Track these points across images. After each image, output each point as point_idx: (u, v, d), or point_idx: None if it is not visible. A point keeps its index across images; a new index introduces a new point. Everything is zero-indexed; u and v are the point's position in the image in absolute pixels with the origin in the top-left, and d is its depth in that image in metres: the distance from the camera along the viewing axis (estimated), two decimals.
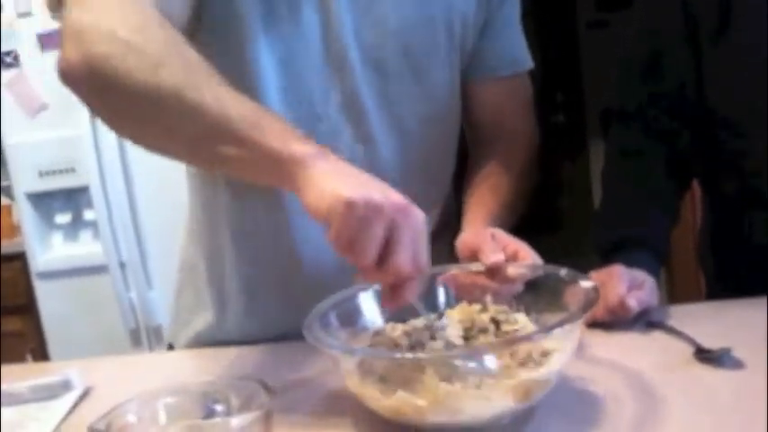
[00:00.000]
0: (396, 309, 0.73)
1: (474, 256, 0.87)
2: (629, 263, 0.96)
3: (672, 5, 1.04)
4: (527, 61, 1.11)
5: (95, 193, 2.22)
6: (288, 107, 0.94)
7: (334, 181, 0.68)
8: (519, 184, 1.06)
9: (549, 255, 0.89)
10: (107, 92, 0.75)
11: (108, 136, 2.21)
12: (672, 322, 0.89)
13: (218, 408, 0.68)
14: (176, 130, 0.76)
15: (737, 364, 0.77)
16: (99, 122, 2.23)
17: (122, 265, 2.26)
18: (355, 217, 0.65)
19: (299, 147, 0.71)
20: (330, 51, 0.95)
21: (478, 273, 0.85)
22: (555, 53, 4.87)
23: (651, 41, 1.07)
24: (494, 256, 0.84)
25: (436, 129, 1.04)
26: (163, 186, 2.11)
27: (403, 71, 0.98)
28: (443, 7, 0.99)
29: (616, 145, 1.11)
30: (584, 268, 0.85)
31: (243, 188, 0.98)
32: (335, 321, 0.79)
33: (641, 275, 0.94)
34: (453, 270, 0.87)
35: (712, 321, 0.89)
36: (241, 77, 0.91)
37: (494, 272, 0.84)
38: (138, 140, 0.79)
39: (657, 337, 0.87)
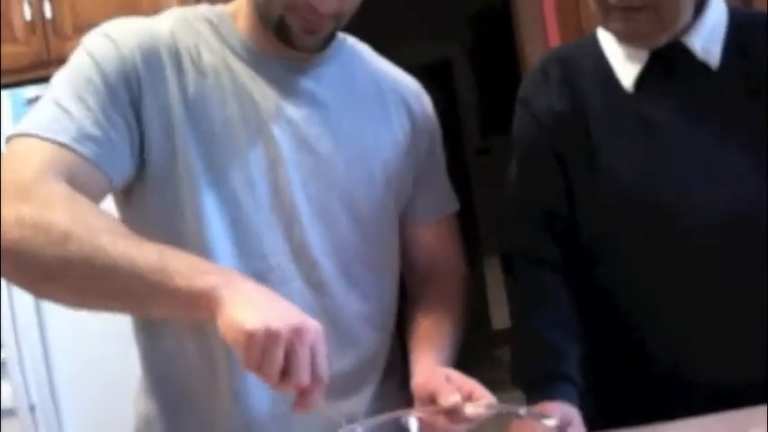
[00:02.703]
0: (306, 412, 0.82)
1: (431, 399, 0.93)
2: (551, 395, 1.02)
3: (541, 151, 1.15)
4: (454, 204, 1.21)
5: (6, 332, 2.15)
6: (239, 259, 0.99)
7: (237, 310, 0.79)
8: (457, 318, 1.13)
9: None
10: (24, 270, 0.84)
11: None
12: None
13: None
14: (92, 292, 0.84)
15: None
16: None
17: (32, 408, 2.17)
18: (256, 347, 0.77)
19: (203, 282, 0.81)
20: (279, 206, 1.01)
21: (438, 414, 0.91)
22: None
23: (532, 183, 1.17)
24: (452, 398, 0.90)
25: (381, 272, 1.11)
26: (77, 324, 2.07)
27: (348, 222, 1.06)
28: (381, 165, 1.09)
29: (524, 283, 1.17)
30: None
31: (204, 345, 1.01)
32: None
33: (569, 411, 1.00)
34: (414, 413, 0.93)
35: None
36: (192, 233, 0.98)
37: (453, 413, 0.90)
38: (57, 303, 0.87)
39: None
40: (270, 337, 0.77)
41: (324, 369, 0.80)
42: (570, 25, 2.45)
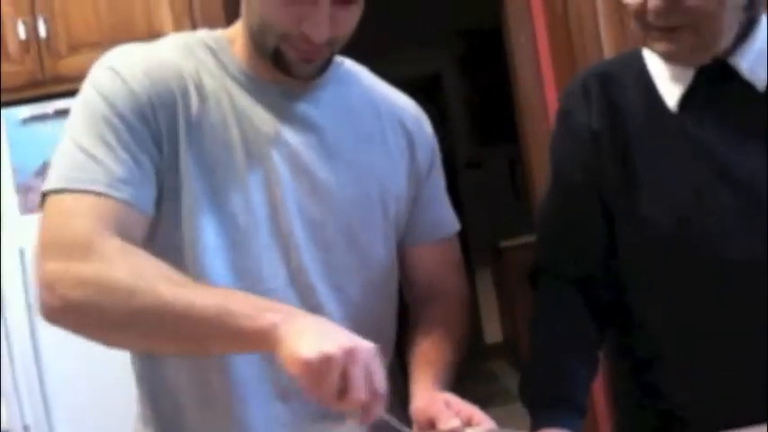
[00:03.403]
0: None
1: (430, 423, 0.94)
2: (555, 422, 1.01)
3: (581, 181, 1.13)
4: (454, 225, 1.22)
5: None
6: (237, 283, 1.00)
7: (294, 343, 0.83)
8: (456, 339, 1.14)
9: None
10: (90, 327, 0.89)
11: (14, 292, 2.17)
12: None
13: None
14: (159, 338, 0.90)
15: None
16: (4, 277, 2.20)
17: (26, 429, 2.16)
18: (314, 373, 0.81)
19: (265, 319, 0.85)
20: (276, 229, 1.02)
21: None
22: None
23: (565, 202, 1.16)
24: (451, 423, 0.91)
25: (377, 295, 1.12)
26: (71, 344, 2.07)
27: (344, 245, 1.07)
28: (379, 188, 1.10)
29: (544, 298, 1.16)
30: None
31: (201, 374, 1.03)
32: None
33: None
34: None
35: None
36: (191, 255, 0.99)
37: None
38: (123, 349, 0.95)
39: None
40: (324, 362, 0.81)
41: (380, 384, 0.85)
42: (560, 39, 2.47)
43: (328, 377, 0.81)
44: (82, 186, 0.92)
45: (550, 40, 2.55)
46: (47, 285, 0.88)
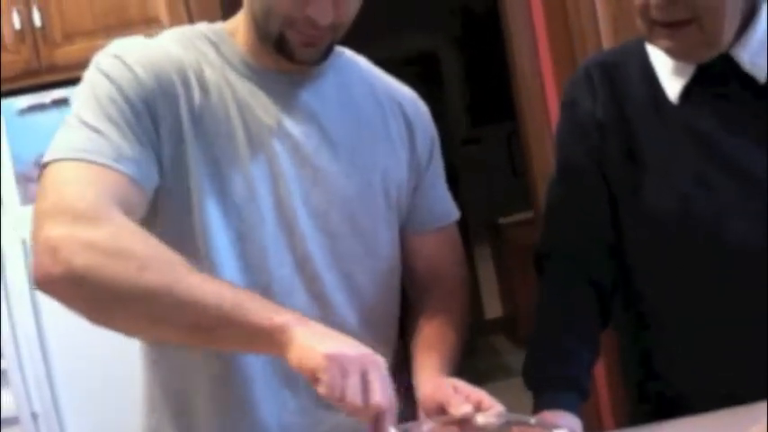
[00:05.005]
0: None
1: (440, 409, 0.94)
2: (557, 404, 1.03)
3: (588, 164, 1.15)
4: (454, 213, 1.23)
5: (5, 340, 2.16)
6: (245, 273, 1.02)
7: (312, 341, 0.82)
8: (458, 325, 1.15)
9: None
10: (93, 298, 0.84)
11: (17, 281, 2.18)
12: None
13: None
14: (160, 321, 0.86)
15: None
16: (6, 267, 2.21)
17: (34, 416, 2.18)
18: (337, 369, 0.80)
19: (278, 318, 0.84)
20: (282, 219, 1.03)
21: (448, 424, 0.93)
22: None
23: (571, 189, 1.17)
24: (463, 408, 0.92)
25: (381, 282, 1.13)
26: (76, 332, 2.08)
27: (348, 232, 1.08)
28: (381, 176, 1.11)
29: (549, 283, 1.17)
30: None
31: (213, 357, 1.03)
32: None
33: (574, 422, 1.01)
34: (425, 424, 0.95)
35: None
36: (199, 246, 1.00)
37: (464, 423, 0.92)
38: (122, 332, 0.89)
39: None
40: (347, 361, 0.80)
41: (393, 395, 0.83)
42: (557, 17, 2.46)
43: (353, 377, 0.80)
44: (88, 157, 0.91)
45: (547, 18, 2.54)
46: (50, 250, 0.83)
